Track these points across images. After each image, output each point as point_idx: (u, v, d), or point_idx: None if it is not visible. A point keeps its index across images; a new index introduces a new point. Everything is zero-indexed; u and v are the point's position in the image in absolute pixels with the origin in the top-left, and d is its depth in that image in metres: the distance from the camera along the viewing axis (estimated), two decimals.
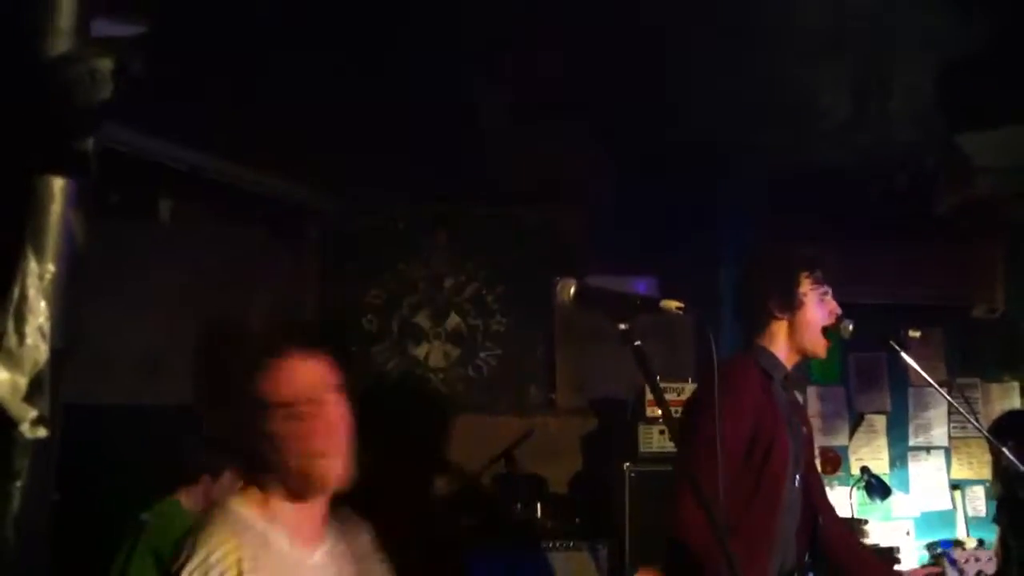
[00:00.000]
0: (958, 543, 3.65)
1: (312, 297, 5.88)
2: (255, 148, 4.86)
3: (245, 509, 2.03)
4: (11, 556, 0.89)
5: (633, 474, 5.20)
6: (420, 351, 5.94)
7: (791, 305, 3.30)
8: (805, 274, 3.33)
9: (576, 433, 5.96)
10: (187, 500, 4.65)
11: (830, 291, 3.36)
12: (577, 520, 5.38)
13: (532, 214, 6.06)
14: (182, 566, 1.86)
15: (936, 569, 3.51)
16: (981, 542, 3.74)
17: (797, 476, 3.33)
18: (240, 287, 5.64)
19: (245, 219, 5.61)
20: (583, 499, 5.73)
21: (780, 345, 3.35)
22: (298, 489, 2.07)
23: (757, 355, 3.34)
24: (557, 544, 5.18)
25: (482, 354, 6.00)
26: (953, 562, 3.48)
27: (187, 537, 1.92)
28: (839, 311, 3.35)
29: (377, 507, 2.46)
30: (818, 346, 3.33)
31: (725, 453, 2.94)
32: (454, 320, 5.98)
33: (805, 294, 3.31)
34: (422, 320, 5.95)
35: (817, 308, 3.32)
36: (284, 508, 2.06)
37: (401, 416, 5.74)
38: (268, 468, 2.03)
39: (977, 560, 3.53)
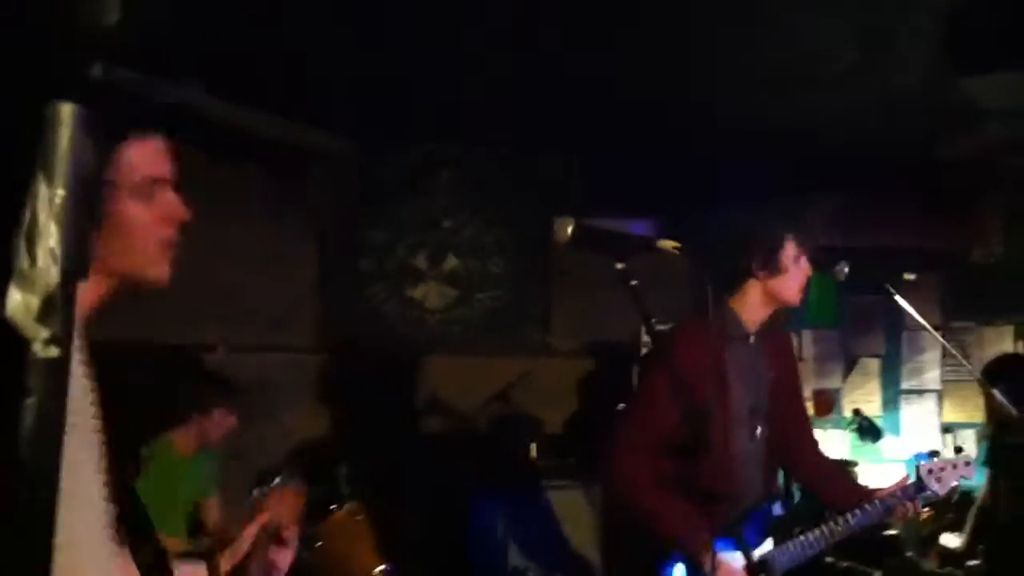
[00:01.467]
0: (935, 453, 3.60)
1: (310, 237, 5.88)
2: (254, 87, 4.85)
3: None
4: (25, 474, 0.92)
5: None
6: (417, 292, 5.95)
7: (774, 269, 3.33)
8: (790, 237, 3.35)
9: (572, 375, 6.01)
10: (179, 439, 4.76)
11: (806, 252, 3.38)
12: (572, 460, 5.45)
13: (531, 157, 6.05)
14: None
15: (906, 482, 3.51)
16: (959, 449, 3.69)
17: (758, 427, 3.37)
18: (239, 226, 5.65)
19: (243, 159, 5.60)
20: (578, 440, 5.79)
21: (751, 303, 3.38)
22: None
23: (723, 314, 3.36)
24: (552, 483, 5.24)
25: (479, 296, 6.02)
26: (926, 475, 3.46)
27: None
28: (810, 272, 3.38)
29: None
30: (794, 299, 3.37)
31: (663, 413, 3.02)
32: (452, 261, 6.00)
33: (788, 257, 3.33)
34: (420, 261, 5.96)
35: (796, 270, 3.35)
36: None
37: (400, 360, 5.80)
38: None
39: (955, 467, 3.51)
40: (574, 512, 5.20)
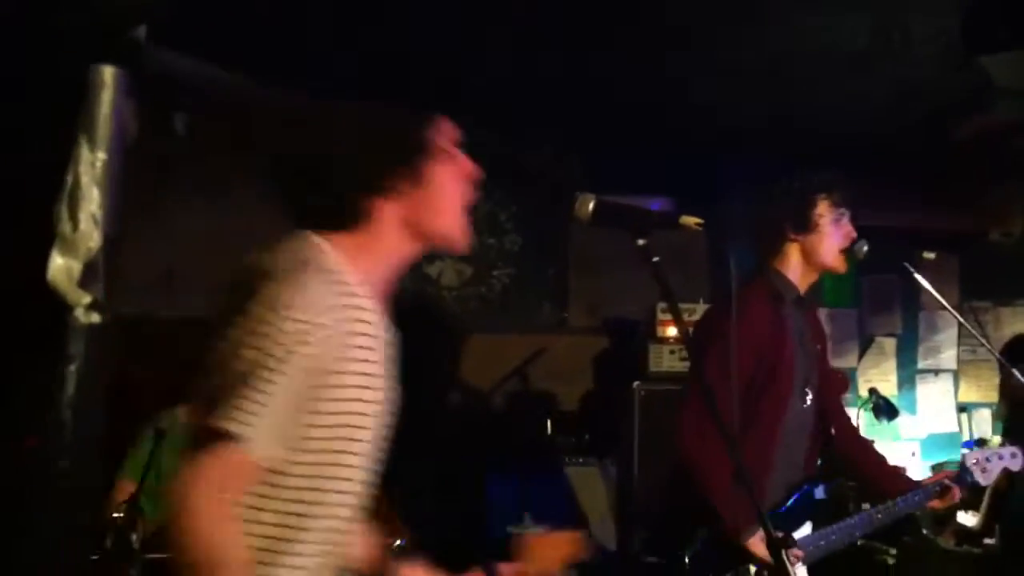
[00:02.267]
0: (982, 441, 3.60)
1: None
2: (269, 62, 4.83)
3: (333, 255, 1.87)
4: (68, 438, 0.92)
5: (643, 392, 5.25)
6: (433, 269, 5.95)
7: (805, 227, 3.31)
8: (822, 196, 3.33)
9: (587, 352, 6.00)
10: (186, 413, 4.79)
11: (847, 214, 3.36)
12: (587, 438, 5.45)
13: (546, 131, 6.02)
14: (265, 300, 1.74)
15: (950, 472, 3.51)
16: (1005, 437, 3.66)
17: (808, 396, 3.36)
18: (256, 200, 5.64)
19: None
20: (593, 417, 5.79)
21: (793, 267, 3.36)
22: (425, 245, 1.98)
23: (769, 278, 3.35)
24: (567, 461, 5.25)
25: (495, 273, 6.02)
26: (972, 466, 3.44)
27: (268, 271, 1.79)
28: (855, 234, 3.35)
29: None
30: (836, 263, 3.34)
31: (732, 375, 2.99)
32: None
33: (821, 216, 3.31)
34: None
35: (833, 230, 3.32)
36: (373, 266, 1.92)
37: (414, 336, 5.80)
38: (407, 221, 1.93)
39: (1000, 458, 3.49)
40: (589, 488, 5.21)
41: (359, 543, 2.13)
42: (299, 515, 1.79)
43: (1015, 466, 3.51)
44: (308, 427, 1.76)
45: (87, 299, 0.81)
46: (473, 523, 5.12)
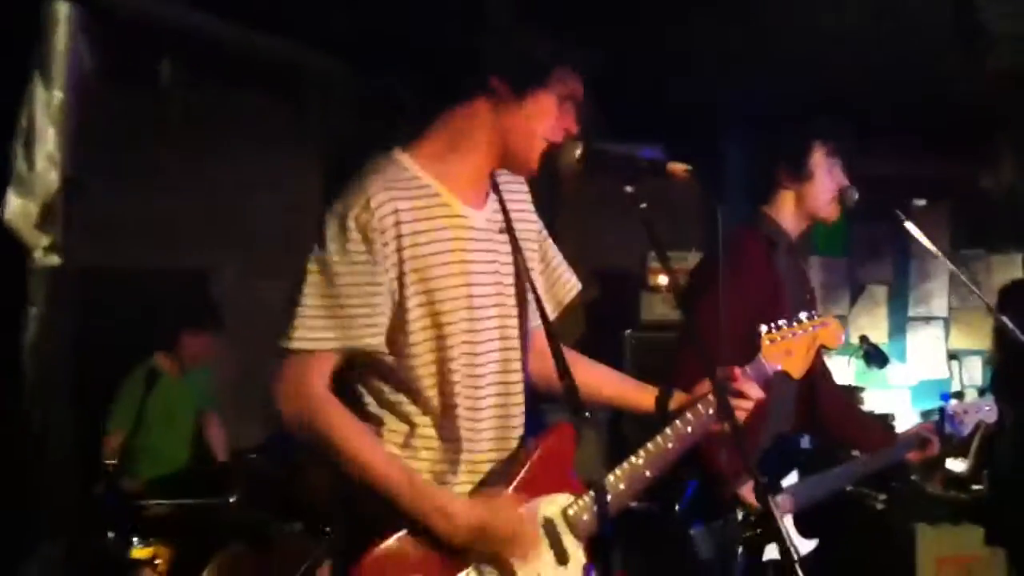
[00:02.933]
0: (957, 394, 3.65)
1: (313, 161, 5.83)
2: (254, 8, 4.77)
3: (412, 162, 2.05)
4: (31, 382, 0.90)
5: (634, 341, 5.25)
6: None
7: (800, 174, 3.28)
8: (818, 143, 3.30)
9: (578, 301, 5.97)
10: (163, 361, 4.88)
11: (840, 162, 3.33)
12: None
13: None
14: (349, 207, 1.92)
15: (928, 425, 3.53)
16: (982, 392, 3.70)
17: None
18: (241, 151, 5.62)
19: (248, 85, 5.54)
20: None
21: (787, 214, 3.33)
22: (499, 162, 2.12)
23: (761, 224, 3.33)
24: (557, 408, 5.25)
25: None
26: (951, 416, 3.48)
27: (353, 186, 1.96)
28: (847, 183, 3.33)
29: None
30: (828, 211, 3.32)
31: (727, 324, 2.97)
32: None
33: (816, 163, 3.29)
34: None
35: (826, 179, 3.30)
36: (458, 166, 2.08)
37: None
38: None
39: (977, 411, 3.52)
40: (579, 437, 5.21)
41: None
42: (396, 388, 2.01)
43: (990, 418, 3.55)
44: (372, 314, 1.94)
45: (46, 241, 0.79)
46: None
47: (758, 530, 3.03)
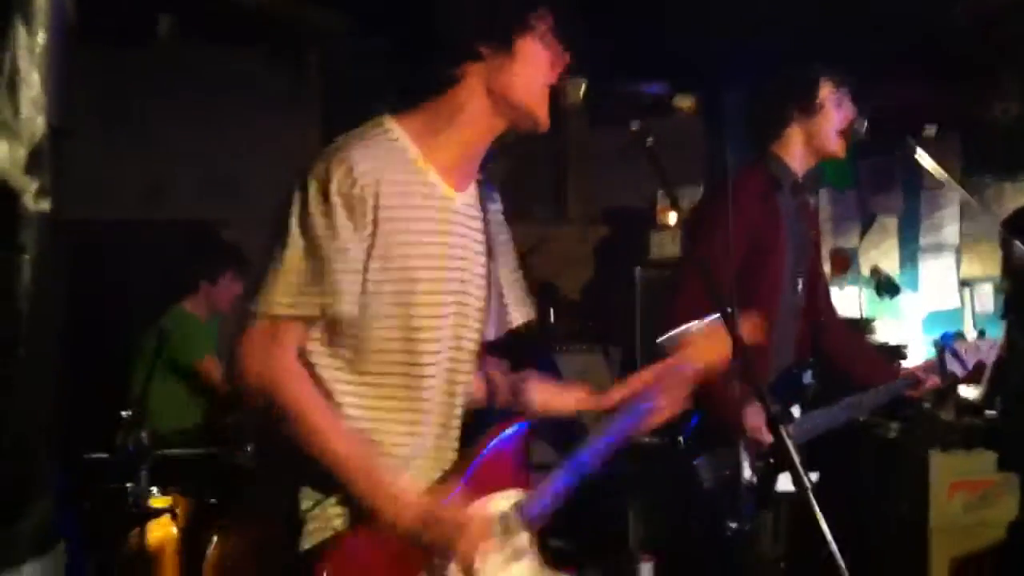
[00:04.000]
0: (959, 335, 3.67)
1: (314, 119, 5.81)
2: None
3: (403, 133, 2.00)
4: (25, 328, 0.91)
5: (643, 279, 5.25)
6: None
7: (810, 109, 3.26)
8: (825, 77, 3.28)
9: (588, 241, 5.99)
10: (191, 306, 4.90)
11: (848, 95, 3.31)
12: (590, 324, 5.47)
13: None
14: (331, 174, 1.88)
15: (930, 362, 3.55)
16: (982, 333, 3.74)
17: (800, 281, 3.36)
18: (241, 107, 5.61)
19: (244, 40, 5.51)
20: (595, 305, 5.81)
21: (794, 151, 3.32)
22: (506, 123, 2.07)
23: (767, 162, 3.32)
24: (570, 347, 5.28)
25: (492, 166, 5.95)
26: (955, 353, 3.51)
27: (337, 151, 1.92)
28: (853, 115, 3.31)
29: None
30: (837, 147, 3.31)
31: (724, 259, 2.97)
32: None
33: (826, 97, 3.27)
34: None
35: (835, 112, 3.28)
36: (449, 142, 2.03)
37: None
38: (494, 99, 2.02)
39: (978, 350, 3.56)
40: (593, 374, 5.24)
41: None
42: (354, 359, 1.96)
43: (990, 357, 3.57)
44: (357, 282, 1.90)
45: (34, 185, 0.79)
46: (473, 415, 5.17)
47: (770, 460, 3.06)
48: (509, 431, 2.21)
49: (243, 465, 3.96)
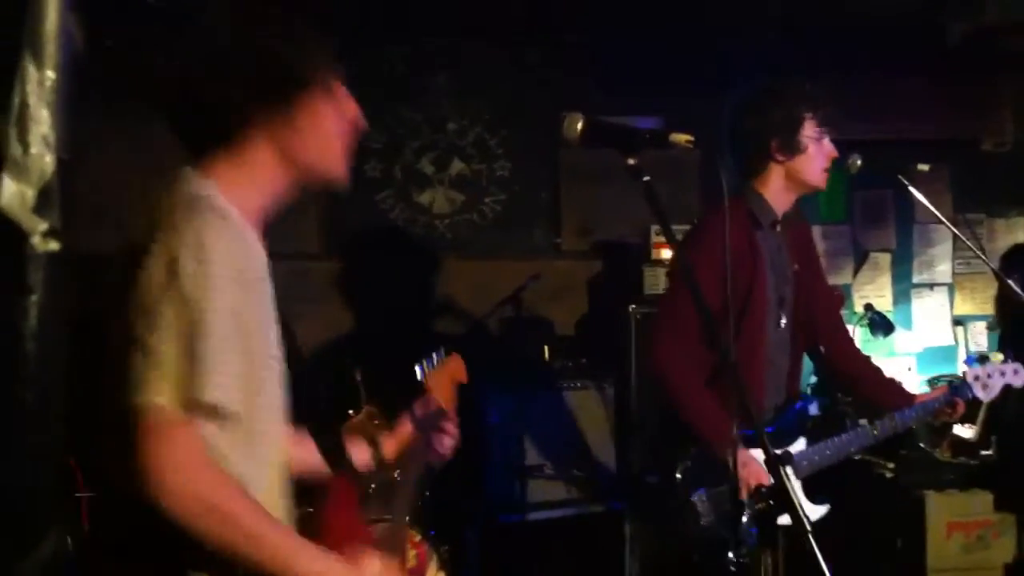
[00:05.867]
0: (983, 357, 3.60)
1: None
2: None
3: (216, 190, 1.83)
4: (31, 371, 0.88)
5: (639, 315, 5.23)
6: (425, 198, 5.89)
7: (793, 148, 3.26)
8: (808, 116, 3.27)
9: (582, 276, 5.97)
10: None
11: (828, 132, 3.30)
12: (584, 361, 5.44)
13: (533, 52, 5.93)
14: (178, 251, 1.67)
15: (943, 388, 3.50)
16: (1008, 354, 3.61)
17: (783, 318, 3.34)
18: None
19: None
20: (590, 341, 5.78)
21: (775, 188, 3.32)
22: (302, 181, 1.97)
23: (747, 199, 3.31)
24: (565, 384, 5.25)
25: (487, 199, 5.96)
26: (976, 378, 3.43)
27: (160, 228, 1.69)
28: (836, 154, 3.31)
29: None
30: (820, 181, 3.30)
31: (710, 289, 2.95)
32: (458, 165, 5.92)
33: (807, 136, 3.26)
34: (425, 166, 5.89)
35: (816, 151, 3.28)
36: (255, 199, 1.92)
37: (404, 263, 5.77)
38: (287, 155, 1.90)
39: (1002, 374, 3.47)
40: (588, 411, 5.21)
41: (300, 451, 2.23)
42: (247, 445, 1.81)
43: (1017, 382, 3.51)
44: (237, 367, 1.75)
45: (43, 226, 0.77)
46: (471, 446, 5.14)
47: (770, 501, 3.03)
48: (339, 489, 2.22)
49: None
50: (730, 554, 2.92)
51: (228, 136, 1.86)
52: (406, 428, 2.52)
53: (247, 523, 1.69)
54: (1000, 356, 3.68)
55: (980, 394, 3.45)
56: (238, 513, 1.69)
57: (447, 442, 2.53)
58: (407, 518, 2.53)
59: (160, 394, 1.63)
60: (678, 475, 3.17)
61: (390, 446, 2.48)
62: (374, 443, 2.44)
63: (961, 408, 3.48)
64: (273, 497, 1.89)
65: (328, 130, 1.95)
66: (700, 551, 3.14)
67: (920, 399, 3.48)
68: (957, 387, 3.46)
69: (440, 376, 2.60)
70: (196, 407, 1.66)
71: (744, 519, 2.94)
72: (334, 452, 2.27)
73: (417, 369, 2.55)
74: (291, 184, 1.97)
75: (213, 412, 1.70)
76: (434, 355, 2.62)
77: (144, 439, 1.60)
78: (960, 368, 6.08)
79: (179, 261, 1.66)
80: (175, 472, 1.61)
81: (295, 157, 1.92)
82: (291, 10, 1.93)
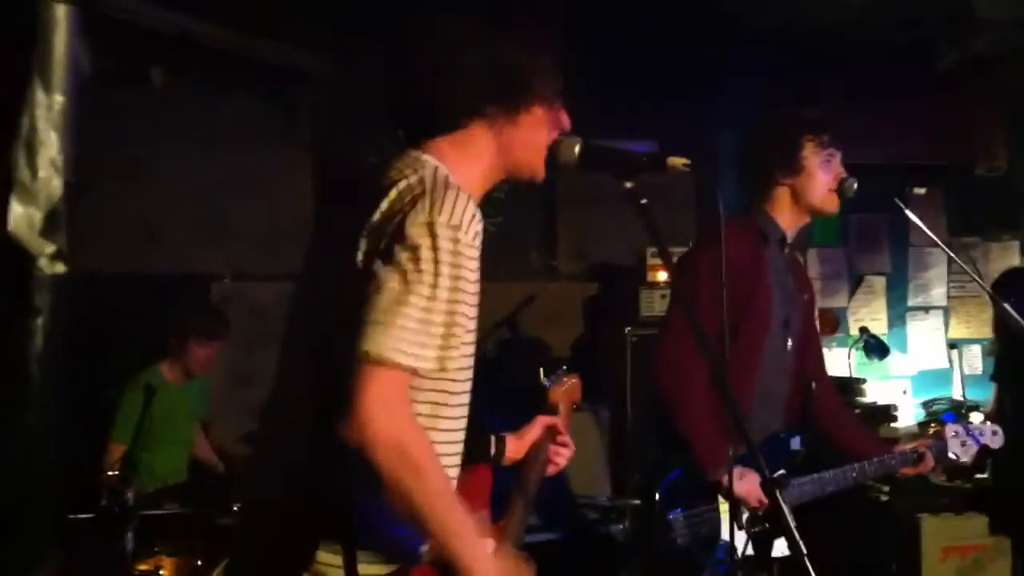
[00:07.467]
0: (963, 415, 3.58)
1: (306, 164, 5.80)
2: (243, 11, 4.75)
3: (445, 168, 1.99)
4: (35, 393, 0.89)
5: (634, 338, 5.23)
6: None
7: (793, 170, 3.26)
8: (808, 138, 3.28)
9: (577, 298, 5.98)
10: (166, 370, 4.85)
11: (836, 154, 3.31)
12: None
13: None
14: (459, 220, 1.84)
15: (927, 441, 3.49)
16: (979, 413, 3.62)
17: (789, 340, 3.32)
18: (234, 154, 5.60)
19: (236, 86, 5.51)
20: (585, 363, 5.78)
21: (783, 210, 3.31)
22: (506, 174, 2.14)
23: (756, 218, 3.32)
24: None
25: (482, 222, 5.96)
26: (955, 435, 3.42)
27: (441, 190, 1.87)
28: (844, 174, 3.31)
29: None
30: (827, 203, 3.29)
31: (705, 306, 2.96)
32: None
33: (807, 158, 3.26)
34: None
35: (821, 172, 3.27)
36: (469, 181, 2.05)
37: None
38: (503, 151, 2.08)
39: (981, 435, 3.46)
40: (583, 433, 5.21)
41: None
42: (437, 415, 1.92)
43: (995, 444, 3.50)
44: (451, 335, 1.86)
45: (50, 249, 0.77)
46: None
47: (766, 524, 3.02)
48: (477, 476, 2.29)
49: (229, 525, 3.89)
50: None
51: (458, 125, 2.04)
52: (533, 433, 2.57)
53: (433, 482, 1.77)
54: (980, 416, 3.68)
55: (958, 452, 3.44)
56: (429, 470, 1.77)
57: (565, 453, 2.58)
58: (524, 522, 2.43)
59: (388, 349, 1.75)
60: (657, 494, 3.16)
61: (514, 447, 2.53)
62: (500, 440, 2.51)
63: (928, 464, 3.46)
64: (448, 472, 1.96)
65: (543, 135, 2.11)
66: (673, 571, 3.14)
67: (896, 450, 3.45)
68: (936, 443, 3.45)
69: (562, 392, 2.69)
70: (411, 365, 1.78)
71: (718, 549, 2.96)
72: (479, 443, 2.33)
73: (545, 381, 2.67)
74: (499, 174, 2.14)
75: (425, 374, 1.83)
76: (559, 372, 2.73)
77: (363, 378, 1.74)
78: (955, 392, 6.14)
79: (435, 226, 1.82)
80: (384, 407, 1.73)
81: (510, 152, 2.08)
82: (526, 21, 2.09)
